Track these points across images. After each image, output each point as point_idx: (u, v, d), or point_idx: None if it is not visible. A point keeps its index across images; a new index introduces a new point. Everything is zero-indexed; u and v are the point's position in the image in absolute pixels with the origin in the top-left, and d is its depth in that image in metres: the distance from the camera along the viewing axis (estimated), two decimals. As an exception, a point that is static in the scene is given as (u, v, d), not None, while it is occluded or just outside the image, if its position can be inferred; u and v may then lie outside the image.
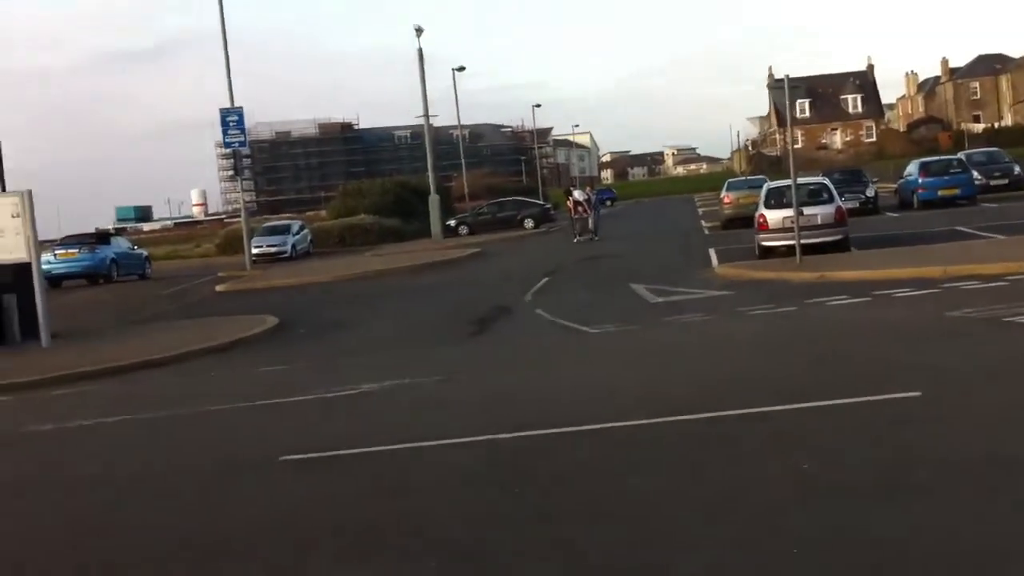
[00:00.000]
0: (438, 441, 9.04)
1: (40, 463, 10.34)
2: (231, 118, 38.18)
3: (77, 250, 36.35)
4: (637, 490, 7.09)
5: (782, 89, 22.20)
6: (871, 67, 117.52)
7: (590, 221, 38.32)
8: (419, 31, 50.97)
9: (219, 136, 40.67)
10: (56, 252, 36.42)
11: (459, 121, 67.16)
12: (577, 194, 39.25)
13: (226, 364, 16.34)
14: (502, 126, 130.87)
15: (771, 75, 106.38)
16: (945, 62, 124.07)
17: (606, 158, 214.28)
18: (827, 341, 12.52)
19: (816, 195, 24.00)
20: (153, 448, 10.40)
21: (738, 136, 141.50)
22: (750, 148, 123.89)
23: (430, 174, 51.56)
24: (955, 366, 10.20)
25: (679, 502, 6.76)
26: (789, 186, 22.49)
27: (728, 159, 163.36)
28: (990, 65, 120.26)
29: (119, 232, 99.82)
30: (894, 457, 7.25)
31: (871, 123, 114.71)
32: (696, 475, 7.33)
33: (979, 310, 13.44)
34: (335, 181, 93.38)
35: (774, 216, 23.27)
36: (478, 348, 15.77)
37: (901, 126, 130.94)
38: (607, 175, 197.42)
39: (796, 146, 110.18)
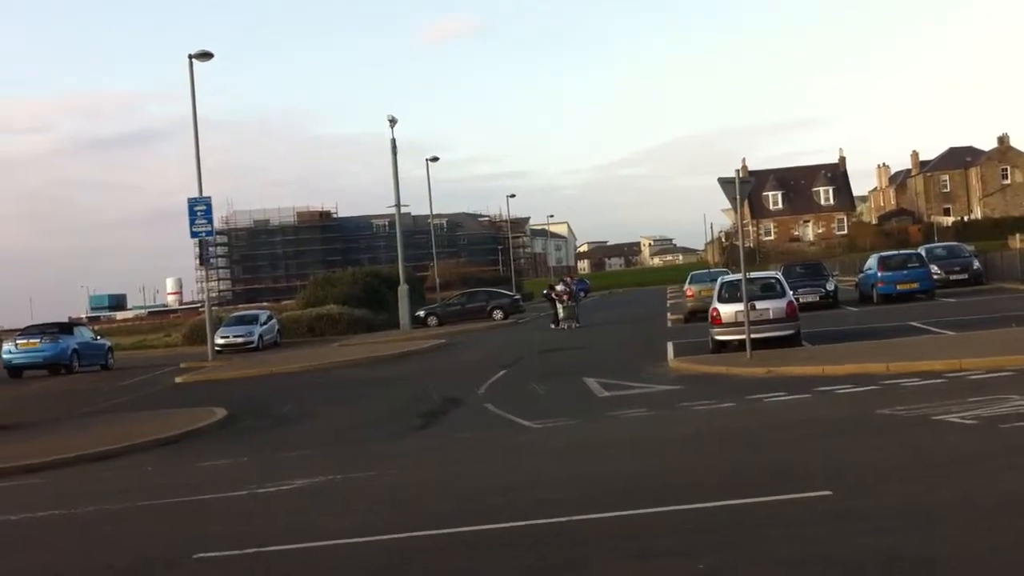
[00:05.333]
0: (348, 539, 9.08)
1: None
2: (199, 207, 38.26)
3: (39, 340, 36.15)
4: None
5: (732, 184, 22.54)
6: (843, 159, 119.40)
7: (561, 310, 40.72)
8: (393, 122, 51.64)
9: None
10: (17, 342, 36.33)
11: (431, 210, 67.70)
12: (560, 287, 41.91)
13: (166, 458, 16.29)
14: (479, 215, 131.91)
15: (744, 167, 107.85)
16: (915, 155, 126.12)
17: (583, 248, 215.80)
18: (753, 439, 12.65)
19: (768, 289, 24.28)
20: (69, 544, 10.34)
21: (711, 228, 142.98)
22: (723, 240, 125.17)
23: (399, 264, 51.88)
24: (871, 465, 10.29)
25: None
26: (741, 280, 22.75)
27: (703, 250, 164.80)
28: (960, 158, 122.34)
29: (92, 320, 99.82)
30: (787, 558, 7.30)
31: (843, 215, 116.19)
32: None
33: (910, 408, 13.61)
34: (312, 270, 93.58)
35: (727, 310, 23.50)
36: (419, 443, 15.78)
37: (873, 218, 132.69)
38: (584, 265, 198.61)
39: (769, 238, 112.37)
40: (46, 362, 36.05)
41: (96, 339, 39.91)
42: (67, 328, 39.52)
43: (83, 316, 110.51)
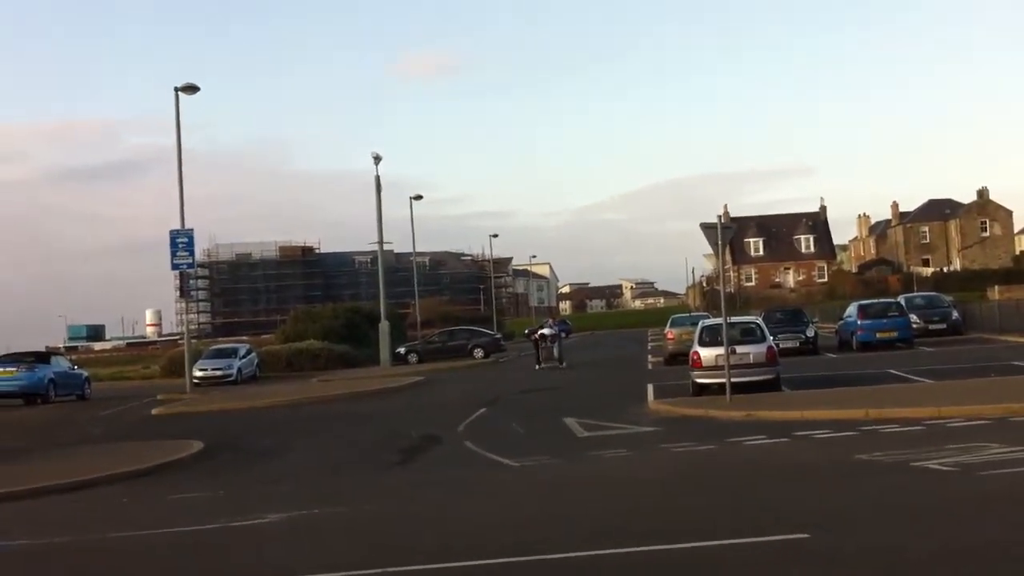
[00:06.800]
0: (320, 575, 8.98)
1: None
2: (181, 239, 38.10)
3: (15, 369, 35.79)
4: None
5: (714, 230, 22.62)
6: (824, 208, 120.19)
7: (555, 350, 40.74)
8: (377, 159, 51.84)
9: (177, 256, 40.47)
10: (-7, 371, 36.00)
11: (414, 248, 67.69)
12: (547, 331, 41.89)
13: (141, 490, 16.13)
14: (462, 254, 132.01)
15: (726, 213, 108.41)
16: (895, 206, 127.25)
17: (565, 289, 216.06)
18: (733, 481, 12.62)
19: (749, 334, 24.32)
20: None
21: (692, 272, 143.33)
22: (704, 284, 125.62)
23: (381, 301, 51.82)
24: (849, 510, 10.27)
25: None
26: (722, 324, 22.81)
27: (684, 294, 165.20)
28: (940, 210, 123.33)
29: (70, 351, 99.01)
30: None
31: (823, 263, 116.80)
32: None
33: (889, 454, 13.62)
34: (293, 304, 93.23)
35: (707, 354, 23.52)
36: (396, 480, 15.68)
37: (853, 267, 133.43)
38: (566, 306, 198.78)
39: (750, 284, 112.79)
40: (22, 391, 35.64)
41: (73, 369, 39.61)
42: (44, 357, 39.18)
43: (61, 346, 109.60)
